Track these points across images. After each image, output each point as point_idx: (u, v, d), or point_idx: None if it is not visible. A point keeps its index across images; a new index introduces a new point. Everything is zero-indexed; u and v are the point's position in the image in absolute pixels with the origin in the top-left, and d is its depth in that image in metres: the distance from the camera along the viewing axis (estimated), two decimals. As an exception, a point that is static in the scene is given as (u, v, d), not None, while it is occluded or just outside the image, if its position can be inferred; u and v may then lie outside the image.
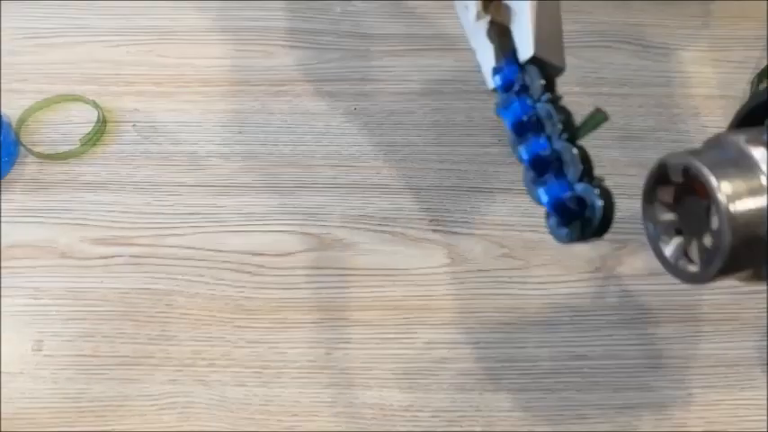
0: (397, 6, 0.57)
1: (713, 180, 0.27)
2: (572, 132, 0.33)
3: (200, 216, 0.48)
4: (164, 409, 0.42)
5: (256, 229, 0.47)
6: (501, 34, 0.37)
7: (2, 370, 0.43)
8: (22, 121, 0.51)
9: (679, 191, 0.29)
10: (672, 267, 0.30)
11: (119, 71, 0.53)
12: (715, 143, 0.29)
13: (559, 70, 0.36)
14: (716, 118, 0.51)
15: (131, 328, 0.44)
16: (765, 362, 0.43)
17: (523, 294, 0.45)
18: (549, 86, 0.35)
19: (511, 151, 0.36)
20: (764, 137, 0.28)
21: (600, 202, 0.30)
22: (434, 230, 0.47)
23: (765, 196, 0.27)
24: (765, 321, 0.44)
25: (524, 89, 0.35)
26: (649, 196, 0.30)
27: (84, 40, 0.55)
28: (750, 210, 0.27)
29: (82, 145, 0.50)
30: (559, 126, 0.33)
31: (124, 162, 0.50)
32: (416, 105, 0.52)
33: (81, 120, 0.51)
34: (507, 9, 0.37)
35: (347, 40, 0.55)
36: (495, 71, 0.37)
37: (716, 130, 0.49)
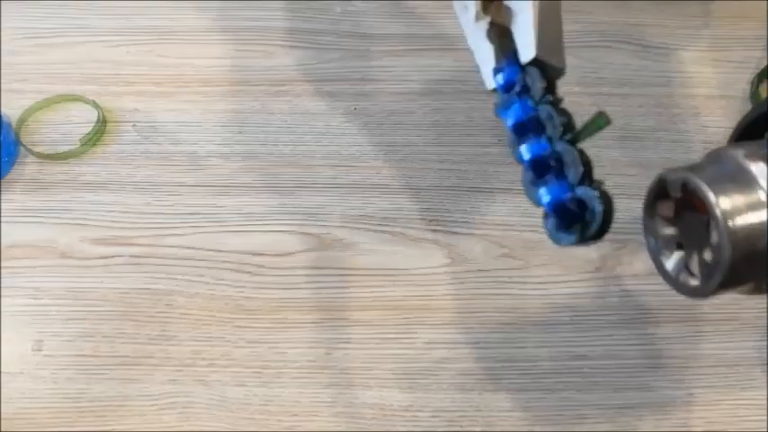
0: (397, 6, 0.57)
1: (711, 196, 0.27)
2: (573, 135, 0.33)
3: (200, 216, 0.48)
4: (164, 409, 0.42)
5: (256, 229, 0.47)
6: (501, 35, 0.37)
7: (2, 370, 0.43)
8: (22, 121, 0.51)
9: (679, 205, 0.29)
10: (673, 281, 0.30)
11: (119, 71, 0.53)
12: (714, 158, 0.29)
13: (560, 72, 0.36)
14: (716, 118, 0.51)
15: (131, 328, 0.44)
16: (765, 362, 0.43)
17: (523, 294, 0.45)
18: (550, 88, 0.35)
19: (510, 151, 0.36)
20: (764, 151, 0.28)
21: (600, 207, 0.30)
22: (434, 230, 0.47)
23: (765, 211, 0.27)
24: (765, 321, 0.44)
25: (525, 90, 0.35)
26: (650, 211, 0.30)
27: (84, 40, 0.55)
28: (750, 224, 0.27)
29: (82, 145, 0.50)
30: (560, 128, 0.33)
31: (124, 162, 0.50)
32: (416, 105, 0.52)
33: (81, 120, 0.51)
34: (507, 10, 0.37)
35: (347, 40, 0.55)
36: (496, 71, 0.37)
37: (716, 130, 0.51)
